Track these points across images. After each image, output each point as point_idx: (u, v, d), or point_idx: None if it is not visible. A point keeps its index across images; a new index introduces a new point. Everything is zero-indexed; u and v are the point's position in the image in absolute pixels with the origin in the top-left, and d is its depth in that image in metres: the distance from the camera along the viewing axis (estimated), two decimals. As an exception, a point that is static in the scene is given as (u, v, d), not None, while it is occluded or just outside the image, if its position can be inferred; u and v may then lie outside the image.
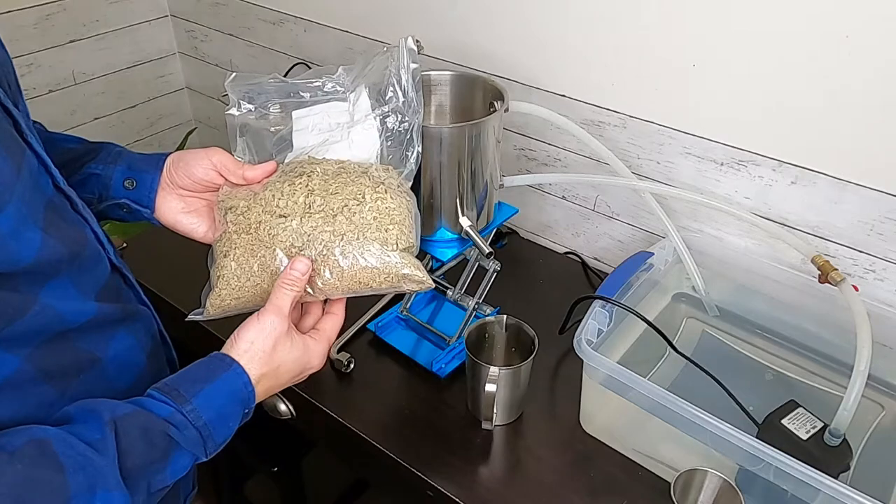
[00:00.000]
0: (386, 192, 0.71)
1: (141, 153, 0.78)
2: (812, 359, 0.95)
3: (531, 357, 0.87)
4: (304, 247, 0.69)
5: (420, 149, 0.77)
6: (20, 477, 0.49)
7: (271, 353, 0.65)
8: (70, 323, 0.59)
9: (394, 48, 0.77)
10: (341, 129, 0.76)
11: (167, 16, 1.71)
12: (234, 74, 0.78)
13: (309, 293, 0.70)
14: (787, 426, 0.78)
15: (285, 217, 0.70)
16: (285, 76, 0.79)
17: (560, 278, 1.19)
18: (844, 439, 0.76)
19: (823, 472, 0.68)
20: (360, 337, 1.04)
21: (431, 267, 1.10)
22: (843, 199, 0.92)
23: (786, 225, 0.98)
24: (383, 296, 1.07)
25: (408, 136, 0.76)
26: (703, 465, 0.76)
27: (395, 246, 0.70)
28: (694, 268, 0.99)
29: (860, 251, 0.94)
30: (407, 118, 0.76)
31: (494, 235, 1.13)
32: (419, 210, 0.83)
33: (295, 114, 0.77)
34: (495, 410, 0.87)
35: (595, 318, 0.86)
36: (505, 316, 0.93)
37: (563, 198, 1.21)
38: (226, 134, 0.79)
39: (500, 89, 0.87)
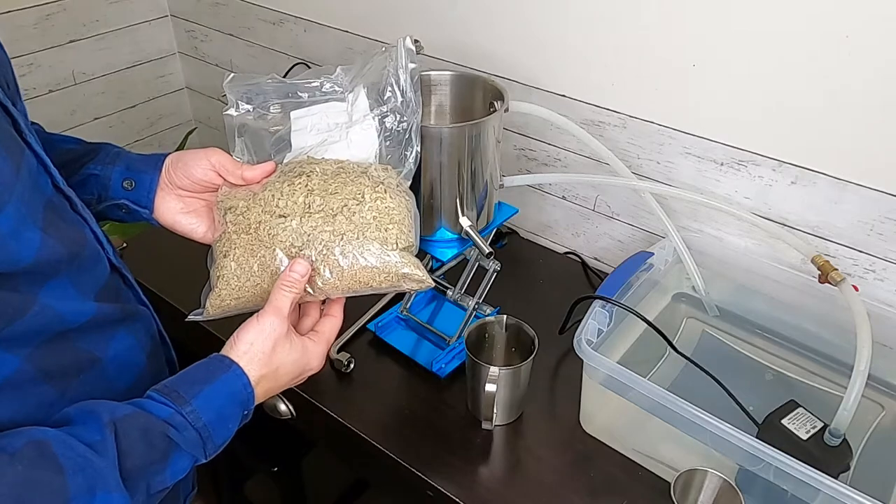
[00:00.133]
0: (385, 191, 0.71)
1: (139, 154, 0.78)
2: (812, 359, 0.95)
3: (531, 357, 0.87)
4: (303, 246, 0.69)
5: (419, 148, 0.77)
6: (20, 478, 0.49)
7: (270, 355, 0.65)
8: (70, 323, 0.59)
9: (392, 48, 0.77)
10: (340, 130, 0.76)
11: (167, 16, 1.71)
12: (232, 75, 0.78)
13: (309, 293, 0.70)
14: (787, 426, 0.78)
15: (285, 217, 0.70)
16: (285, 76, 0.79)
17: (560, 278, 1.19)
18: (844, 439, 0.76)
19: (823, 472, 0.68)
20: (360, 337, 1.04)
21: (431, 267, 1.10)
22: (843, 199, 0.92)
23: (786, 225, 0.98)
24: (383, 296, 1.07)
25: (406, 136, 0.76)
26: (703, 465, 0.76)
27: (394, 245, 0.70)
28: (694, 268, 0.99)
29: (860, 251, 0.94)
30: (405, 118, 0.76)
31: (494, 235, 1.13)
32: (419, 210, 0.83)
33: (293, 114, 0.77)
34: (495, 410, 0.87)
35: (595, 318, 0.86)
36: (505, 316, 0.93)
37: (563, 198, 1.21)
38: (226, 134, 0.79)
39: (500, 89, 0.87)
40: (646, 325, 0.86)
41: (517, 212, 0.98)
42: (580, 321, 0.85)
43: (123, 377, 0.66)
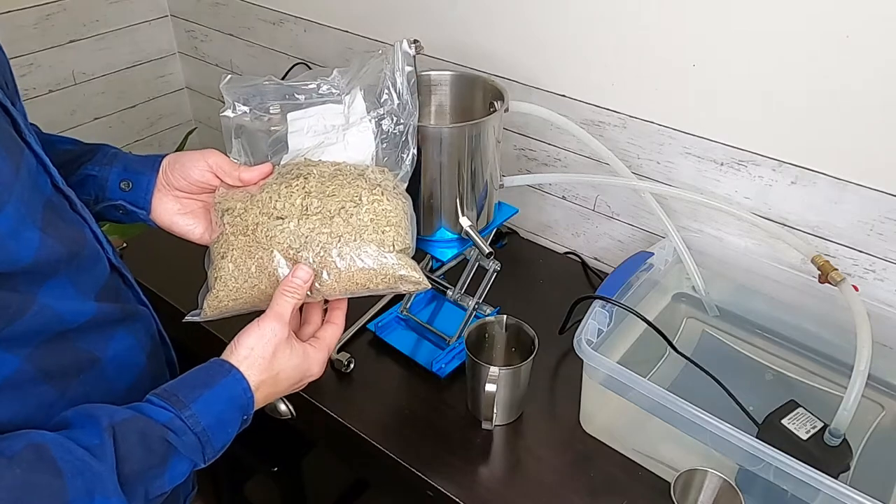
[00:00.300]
0: (382, 194, 0.71)
1: (137, 154, 0.78)
2: (812, 359, 0.95)
3: (531, 357, 0.87)
4: (301, 248, 0.69)
5: (415, 151, 0.77)
6: (18, 481, 0.48)
7: (271, 360, 0.65)
8: (69, 323, 0.59)
9: (389, 50, 0.77)
10: (336, 132, 0.76)
11: (167, 16, 1.71)
12: (229, 77, 0.78)
13: (307, 294, 0.70)
14: (787, 426, 0.78)
15: (282, 219, 0.70)
16: (285, 76, 0.79)
17: (560, 278, 1.19)
18: (844, 439, 0.76)
19: (823, 472, 0.67)
20: (360, 337, 1.05)
21: (431, 267, 1.10)
22: (843, 199, 0.92)
23: (786, 225, 0.98)
24: (382, 296, 1.07)
25: (403, 139, 0.76)
26: (703, 465, 0.76)
27: (391, 247, 0.70)
28: (694, 268, 0.99)
29: (860, 251, 0.94)
30: (402, 120, 0.76)
31: (494, 235, 1.13)
32: (419, 210, 0.83)
33: (290, 116, 0.77)
34: (495, 410, 0.87)
35: (595, 318, 0.86)
36: (505, 316, 0.93)
37: (563, 198, 1.21)
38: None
39: (500, 89, 0.87)
40: (646, 325, 0.86)
41: (517, 212, 0.98)
42: (580, 321, 0.85)
43: (123, 377, 0.66)
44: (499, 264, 0.98)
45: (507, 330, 0.94)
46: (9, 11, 1.42)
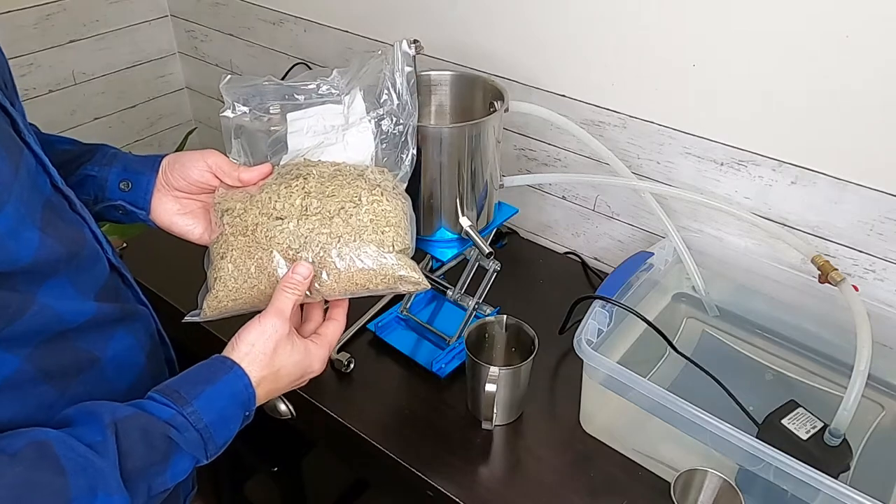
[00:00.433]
0: (382, 194, 0.71)
1: (136, 155, 0.78)
2: (812, 359, 0.95)
3: (531, 357, 0.87)
4: (300, 249, 0.69)
5: (415, 151, 0.77)
6: (21, 479, 0.49)
7: (272, 356, 0.65)
8: (69, 322, 0.59)
9: (388, 50, 0.77)
10: (336, 132, 0.76)
11: (167, 16, 1.71)
12: (228, 77, 0.78)
13: (307, 294, 0.70)
14: (787, 426, 0.78)
15: (282, 219, 0.70)
16: (285, 76, 0.79)
17: (560, 278, 1.19)
18: (844, 439, 0.76)
19: (823, 472, 0.67)
20: (360, 337, 1.05)
21: (431, 267, 1.10)
22: (843, 199, 0.92)
23: (786, 225, 0.98)
24: (382, 296, 1.07)
25: (402, 139, 0.76)
26: (703, 465, 0.76)
27: (391, 248, 0.70)
28: (694, 268, 0.99)
29: (860, 251, 0.94)
30: (402, 121, 0.76)
31: (494, 235, 1.13)
32: (419, 210, 0.83)
33: (289, 116, 0.77)
34: (495, 410, 0.87)
35: (595, 318, 0.86)
36: (505, 316, 0.93)
37: (563, 198, 1.21)
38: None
39: (500, 89, 0.87)
40: (646, 325, 0.86)
41: (517, 212, 0.98)
42: (580, 321, 0.85)
43: (123, 377, 0.66)
44: (499, 264, 0.98)
45: (507, 330, 0.94)
46: (9, 11, 1.42)
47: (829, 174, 0.91)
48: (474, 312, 1.01)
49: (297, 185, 0.71)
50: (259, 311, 0.68)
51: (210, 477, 1.44)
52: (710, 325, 1.02)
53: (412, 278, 0.71)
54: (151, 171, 0.76)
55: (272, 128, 0.78)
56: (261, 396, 0.65)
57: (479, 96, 0.91)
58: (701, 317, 1.02)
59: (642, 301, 0.94)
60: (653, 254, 0.97)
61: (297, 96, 0.78)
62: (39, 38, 1.49)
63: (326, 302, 0.74)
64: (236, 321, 0.69)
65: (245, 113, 0.78)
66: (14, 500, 0.48)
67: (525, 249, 1.26)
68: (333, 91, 0.78)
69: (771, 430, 0.79)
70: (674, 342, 0.87)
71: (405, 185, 0.76)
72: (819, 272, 0.89)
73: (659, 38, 0.97)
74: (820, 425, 0.78)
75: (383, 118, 0.76)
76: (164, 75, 1.77)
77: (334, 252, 0.69)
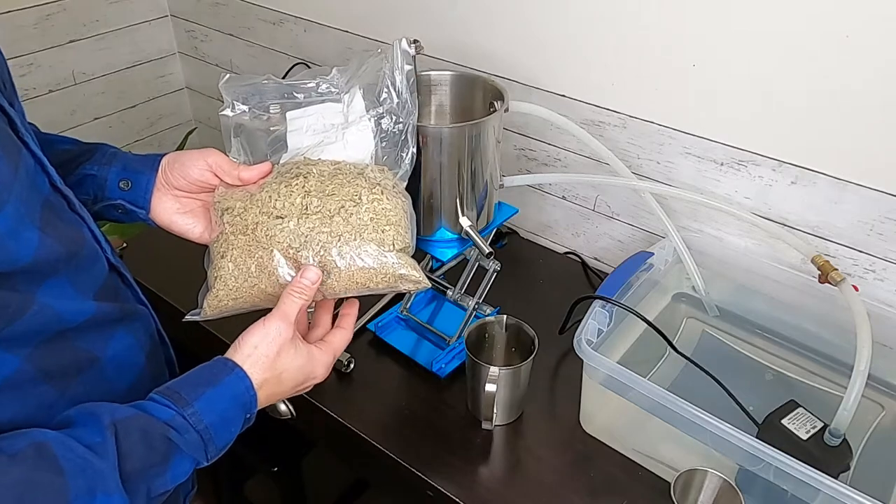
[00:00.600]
0: (382, 193, 0.71)
1: (136, 154, 0.78)
2: (812, 359, 0.95)
3: (531, 357, 0.87)
4: (301, 248, 0.69)
5: (415, 150, 0.77)
6: (20, 479, 0.48)
7: (275, 359, 0.64)
8: (69, 322, 0.59)
9: (388, 49, 0.77)
10: (336, 131, 0.76)
11: (167, 16, 1.71)
12: (228, 76, 0.78)
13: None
14: (787, 426, 0.78)
15: (282, 218, 0.70)
16: (285, 76, 0.79)
17: (560, 278, 1.19)
18: (844, 439, 0.76)
19: (823, 472, 0.67)
20: (360, 337, 1.04)
21: (431, 267, 1.10)
22: (843, 199, 0.92)
23: (786, 225, 0.98)
24: (383, 296, 1.07)
25: (402, 138, 0.76)
26: (703, 465, 0.76)
27: (391, 246, 0.70)
28: (694, 268, 0.98)
29: (860, 251, 0.94)
30: (401, 119, 0.76)
31: (494, 235, 1.13)
32: (419, 210, 0.83)
33: (289, 115, 0.77)
34: (495, 410, 0.87)
35: (595, 318, 0.86)
36: (505, 316, 0.93)
37: (563, 198, 1.21)
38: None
39: (500, 89, 0.87)
40: (646, 325, 0.86)
41: (517, 212, 0.98)
42: (580, 321, 0.85)
43: (123, 377, 0.66)
44: (499, 264, 0.98)
45: (507, 330, 0.94)
46: (9, 11, 1.43)
47: (829, 174, 0.91)
48: (474, 312, 1.01)
49: (297, 184, 0.71)
50: (259, 311, 0.68)
51: (210, 477, 1.44)
52: (710, 325, 1.02)
53: (413, 277, 0.71)
54: (151, 170, 0.75)
55: (272, 127, 0.78)
56: (262, 400, 0.64)
57: (479, 96, 0.91)
58: (701, 317, 1.02)
59: (642, 301, 0.94)
60: (653, 254, 0.97)
61: (296, 95, 0.78)
62: (39, 38, 1.49)
63: (336, 307, 0.74)
64: (237, 321, 0.68)
65: (244, 112, 0.78)
66: (13, 501, 0.48)
67: (525, 249, 1.26)
68: (333, 90, 0.78)
69: (771, 430, 0.79)
70: (674, 342, 0.87)
71: (405, 184, 0.76)
72: (819, 272, 0.89)
73: (659, 38, 0.97)
74: (820, 425, 0.78)
75: (383, 117, 0.76)
76: (164, 75, 1.77)
77: (335, 251, 0.69)
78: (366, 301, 1.05)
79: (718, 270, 1.00)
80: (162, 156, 0.76)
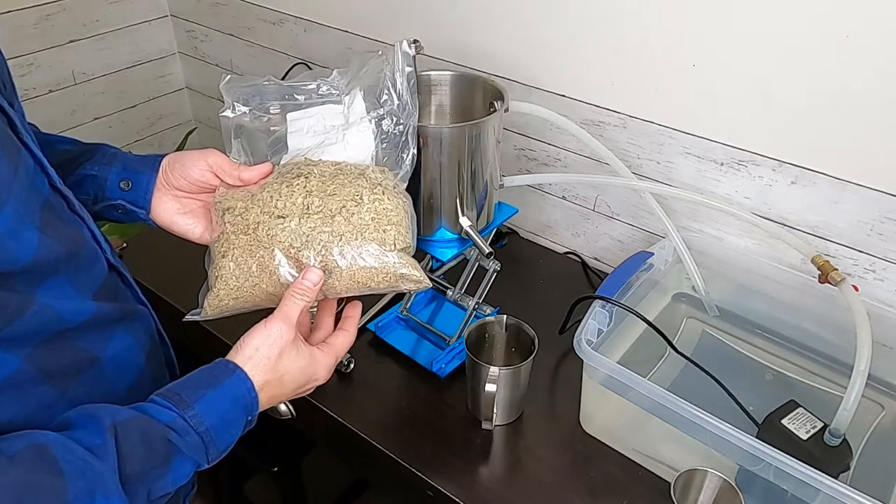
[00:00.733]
0: (383, 193, 0.71)
1: (136, 154, 0.78)
2: (812, 359, 0.95)
3: (531, 357, 0.87)
4: (302, 247, 0.69)
5: (415, 151, 0.77)
6: (19, 481, 0.48)
7: (276, 361, 0.64)
8: (68, 322, 0.59)
9: (389, 50, 0.77)
10: (336, 132, 0.76)
11: (167, 16, 1.71)
12: (228, 77, 0.78)
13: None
14: (787, 426, 0.78)
15: (283, 218, 0.70)
16: (285, 76, 0.79)
17: (560, 278, 1.19)
18: (844, 439, 0.76)
19: (823, 472, 0.67)
20: (360, 337, 1.04)
21: (431, 267, 1.10)
22: (843, 199, 0.92)
23: (786, 225, 0.98)
24: (383, 295, 1.07)
25: (403, 139, 0.76)
26: (703, 465, 0.76)
27: (392, 246, 0.70)
28: (694, 268, 0.98)
29: (860, 251, 0.94)
30: (402, 121, 0.76)
31: (494, 235, 1.13)
32: (419, 210, 0.83)
33: (290, 116, 0.77)
34: (495, 410, 0.87)
35: (595, 318, 0.86)
36: (505, 316, 0.93)
37: (563, 198, 1.21)
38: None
39: (500, 89, 0.87)
40: (646, 325, 0.86)
41: (517, 212, 0.98)
42: (580, 321, 0.85)
43: (123, 377, 0.66)
44: (499, 264, 0.98)
45: (507, 330, 0.94)
46: (9, 11, 1.43)
47: (829, 174, 0.91)
48: (474, 312, 1.01)
49: (298, 184, 0.71)
50: (260, 311, 0.67)
51: (210, 477, 1.44)
52: (710, 325, 1.02)
53: (414, 276, 0.71)
54: (151, 170, 0.75)
55: (272, 128, 0.78)
56: (264, 401, 0.64)
57: (479, 96, 0.91)
58: (701, 317, 1.02)
59: (642, 301, 0.94)
60: (653, 254, 0.97)
61: (297, 96, 0.78)
62: (39, 38, 1.49)
63: (339, 305, 0.74)
64: (237, 321, 0.68)
65: (245, 113, 0.78)
66: (12, 503, 0.48)
67: (525, 249, 1.26)
68: (333, 91, 0.78)
69: (771, 430, 0.79)
70: (674, 342, 0.87)
71: (406, 185, 0.76)
72: (819, 272, 0.89)
73: (659, 38, 0.97)
74: (820, 425, 0.78)
75: (383, 118, 0.76)
76: (164, 75, 1.77)
77: (336, 251, 0.69)
78: (366, 301, 1.05)
79: (718, 270, 1.00)
80: (162, 156, 0.76)
